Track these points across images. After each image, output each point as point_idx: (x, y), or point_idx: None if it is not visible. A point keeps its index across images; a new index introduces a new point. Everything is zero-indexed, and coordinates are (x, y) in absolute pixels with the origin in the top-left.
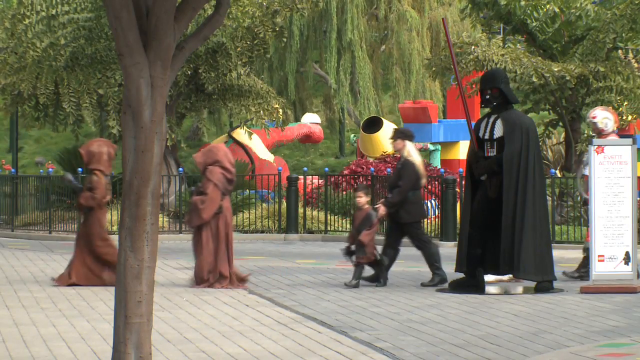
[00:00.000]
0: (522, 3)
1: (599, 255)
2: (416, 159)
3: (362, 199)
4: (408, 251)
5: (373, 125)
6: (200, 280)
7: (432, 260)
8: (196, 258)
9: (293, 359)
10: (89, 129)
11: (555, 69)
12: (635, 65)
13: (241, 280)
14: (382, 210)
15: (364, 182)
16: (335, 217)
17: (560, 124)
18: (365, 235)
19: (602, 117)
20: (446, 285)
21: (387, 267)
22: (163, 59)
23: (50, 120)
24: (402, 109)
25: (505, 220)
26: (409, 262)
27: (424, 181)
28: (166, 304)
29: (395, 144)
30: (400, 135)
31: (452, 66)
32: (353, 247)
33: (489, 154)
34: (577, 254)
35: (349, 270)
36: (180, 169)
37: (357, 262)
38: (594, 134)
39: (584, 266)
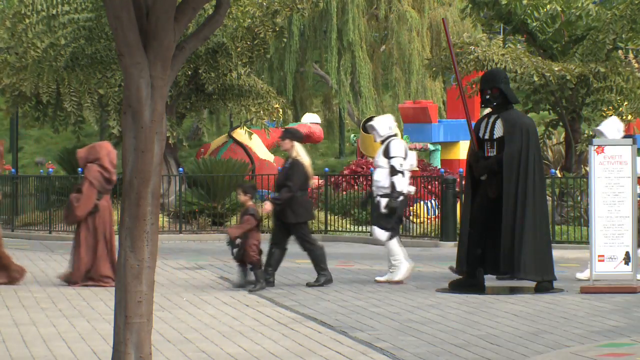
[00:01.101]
0: (525, 2)
1: (599, 255)
2: (305, 159)
3: (241, 197)
4: (408, 251)
5: None
6: (76, 278)
7: (318, 261)
8: (72, 256)
9: (293, 359)
10: (90, 129)
11: (556, 69)
12: (636, 65)
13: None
14: (267, 206)
15: (248, 182)
16: (335, 217)
17: (561, 124)
18: (232, 229)
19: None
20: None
21: (273, 268)
22: (163, 59)
23: (50, 120)
24: (402, 109)
25: (505, 220)
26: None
27: (312, 182)
28: (166, 304)
29: (283, 144)
30: (288, 135)
31: (452, 66)
32: (237, 241)
33: (489, 154)
34: (577, 254)
35: (349, 270)
36: (180, 169)
37: (239, 261)
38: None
39: None
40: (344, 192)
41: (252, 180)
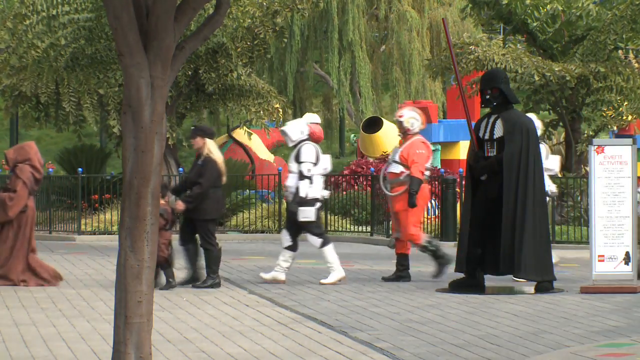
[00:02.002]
0: (527, 2)
1: (599, 256)
2: (217, 156)
3: None
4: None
5: (373, 125)
6: None
7: (211, 263)
8: None
9: (293, 359)
10: (90, 129)
11: (556, 69)
12: (636, 65)
13: (42, 278)
14: (179, 205)
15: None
16: (336, 217)
17: (561, 124)
18: None
19: (409, 116)
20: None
21: (192, 262)
22: (163, 59)
23: (50, 120)
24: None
25: (505, 220)
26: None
27: (224, 179)
28: (166, 304)
29: (195, 142)
30: (199, 133)
31: (452, 66)
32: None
33: (489, 154)
34: (577, 254)
35: (349, 270)
36: (181, 169)
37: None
38: (400, 133)
39: None
40: (344, 192)
41: (252, 180)
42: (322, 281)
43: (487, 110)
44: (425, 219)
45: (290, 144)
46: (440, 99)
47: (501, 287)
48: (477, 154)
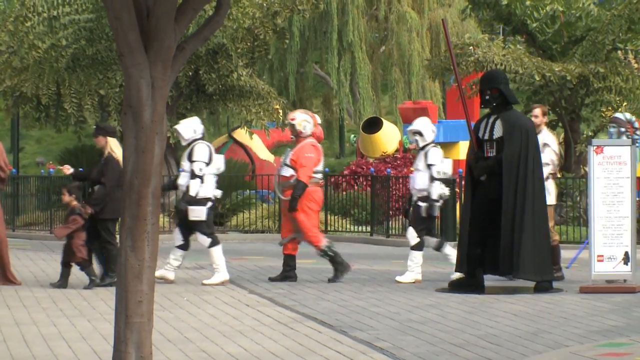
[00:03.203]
0: (527, 2)
1: (598, 255)
2: (119, 155)
3: (65, 198)
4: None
5: (373, 125)
6: None
7: (111, 262)
8: None
9: (293, 359)
10: (91, 129)
11: (557, 69)
12: (635, 65)
13: (5, 278)
14: (88, 209)
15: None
16: (336, 217)
17: (560, 124)
18: (59, 230)
19: (301, 119)
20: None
21: (103, 263)
22: (164, 59)
23: (51, 120)
24: (401, 110)
25: (504, 220)
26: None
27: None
28: (167, 304)
29: (97, 141)
30: (101, 132)
31: (452, 67)
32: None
33: (489, 155)
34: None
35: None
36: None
37: (65, 262)
38: (292, 136)
39: None
40: (344, 192)
41: (252, 180)
42: (205, 282)
43: (487, 110)
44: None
45: (184, 143)
46: (439, 99)
47: (500, 287)
48: (476, 154)
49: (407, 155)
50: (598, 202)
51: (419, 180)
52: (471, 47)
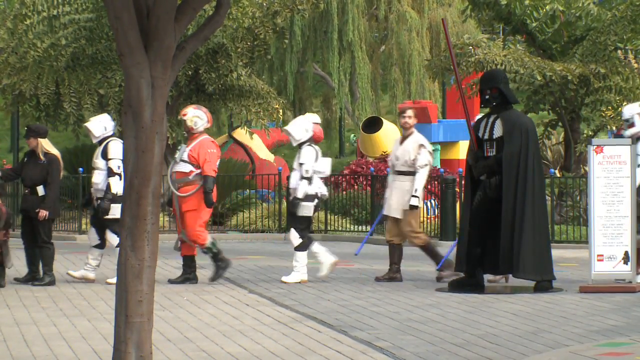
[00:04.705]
0: (526, 2)
1: (598, 255)
2: (57, 153)
3: None
4: (408, 250)
5: (373, 125)
6: None
7: (47, 261)
8: None
9: (293, 358)
10: None
11: (558, 69)
12: (635, 65)
13: None
14: (42, 214)
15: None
16: (335, 216)
17: (560, 124)
18: None
19: (192, 115)
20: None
21: (39, 267)
22: (164, 59)
23: (51, 120)
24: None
25: (504, 220)
26: (408, 261)
27: (61, 174)
28: (167, 304)
29: (29, 142)
30: (32, 134)
31: (452, 67)
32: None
33: (489, 154)
34: (577, 254)
35: (349, 270)
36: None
37: None
38: (184, 132)
39: None
40: (344, 192)
41: (252, 180)
42: (109, 280)
43: (487, 110)
44: (425, 219)
45: (95, 141)
46: (439, 99)
47: (500, 286)
48: (476, 153)
49: None
50: (598, 202)
51: (293, 180)
52: (471, 48)
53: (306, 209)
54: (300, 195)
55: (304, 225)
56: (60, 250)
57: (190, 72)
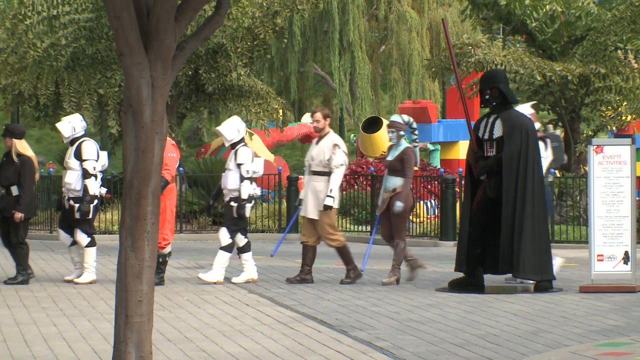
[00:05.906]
0: (526, 2)
1: (598, 255)
2: (31, 154)
3: None
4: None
5: (373, 125)
6: None
7: (21, 260)
8: None
9: (293, 358)
10: (89, 129)
11: (558, 69)
12: (635, 65)
13: None
14: (17, 215)
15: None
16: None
17: (560, 124)
18: None
19: None
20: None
21: (23, 267)
22: (164, 59)
23: (50, 120)
24: (401, 109)
25: (504, 220)
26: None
27: (37, 176)
28: (167, 303)
29: (5, 142)
30: (7, 134)
31: (452, 67)
32: None
33: (489, 154)
34: (577, 254)
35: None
36: (181, 168)
37: None
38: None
39: None
40: (344, 192)
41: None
42: (76, 280)
43: (487, 110)
44: (425, 219)
45: (66, 141)
46: (439, 99)
47: (500, 286)
48: (476, 153)
49: None
50: (598, 202)
51: (231, 180)
52: (470, 48)
53: (247, 210)
54: (245, 196)
55: (240, 227)
56: (60, 250)
57: (190, 72)
